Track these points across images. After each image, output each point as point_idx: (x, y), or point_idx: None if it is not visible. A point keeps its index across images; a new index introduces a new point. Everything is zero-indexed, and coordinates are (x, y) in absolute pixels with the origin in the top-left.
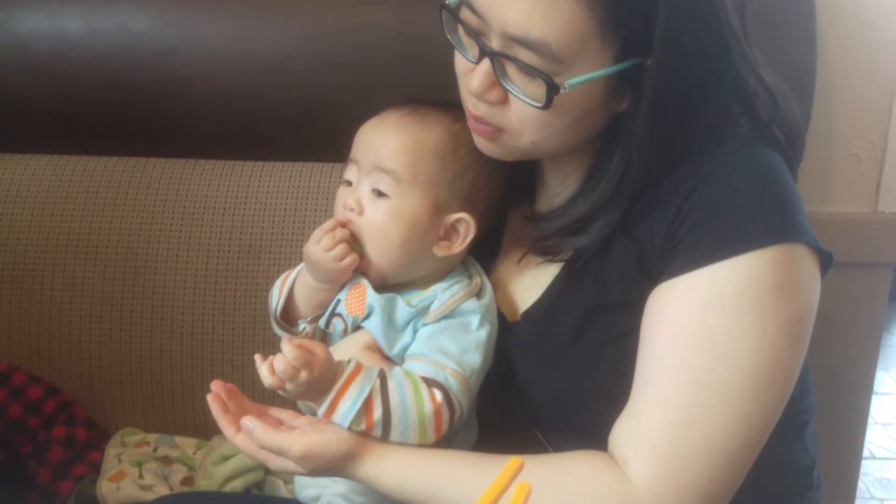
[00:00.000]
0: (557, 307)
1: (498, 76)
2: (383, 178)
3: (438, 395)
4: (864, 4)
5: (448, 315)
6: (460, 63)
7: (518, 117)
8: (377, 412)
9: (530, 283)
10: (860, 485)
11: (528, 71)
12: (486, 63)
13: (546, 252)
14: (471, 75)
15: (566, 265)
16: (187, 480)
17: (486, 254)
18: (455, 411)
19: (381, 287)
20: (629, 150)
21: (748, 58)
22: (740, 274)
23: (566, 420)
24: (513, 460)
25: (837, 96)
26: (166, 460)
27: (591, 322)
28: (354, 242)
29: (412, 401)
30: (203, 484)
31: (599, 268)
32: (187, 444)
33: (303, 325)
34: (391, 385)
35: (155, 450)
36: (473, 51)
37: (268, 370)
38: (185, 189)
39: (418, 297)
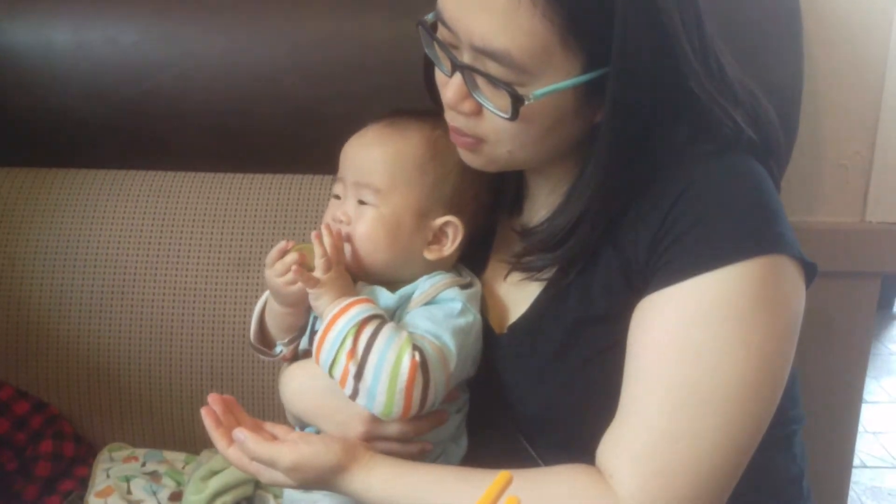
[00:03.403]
0: (543, 320)
1: (469, 88)
2: (366, 190)
3: (418, 356)
4: (850, 16)
5: (430, 301)
6: (438, 76)
7: (492, 128)
8: (366, 332)
9: (517, 296)
10: (851, 494)
11: (495, 83)
12: (458, 76)
13: (528, 269)
14: (446, 88)
15: (552, 279)
16: (176, 496)
17: (474, 267)
18: (430, 383)
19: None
20: (600, 160)
21: (708, 71)
22: (723, 286)
23: (554, 433)
24: (502, 474)
25: (825, 107)
26: (155, 475)
27: (578, 335)
28: (307, 263)
29: (396, 344)
30: (192, 499)
31: (585, 281)
32: (176, 458)
33: (280, 349)
34: (390, 325)
35: (143, 465)
36: (447, 64)
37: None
38: (174, 201)
39: (402, 288)
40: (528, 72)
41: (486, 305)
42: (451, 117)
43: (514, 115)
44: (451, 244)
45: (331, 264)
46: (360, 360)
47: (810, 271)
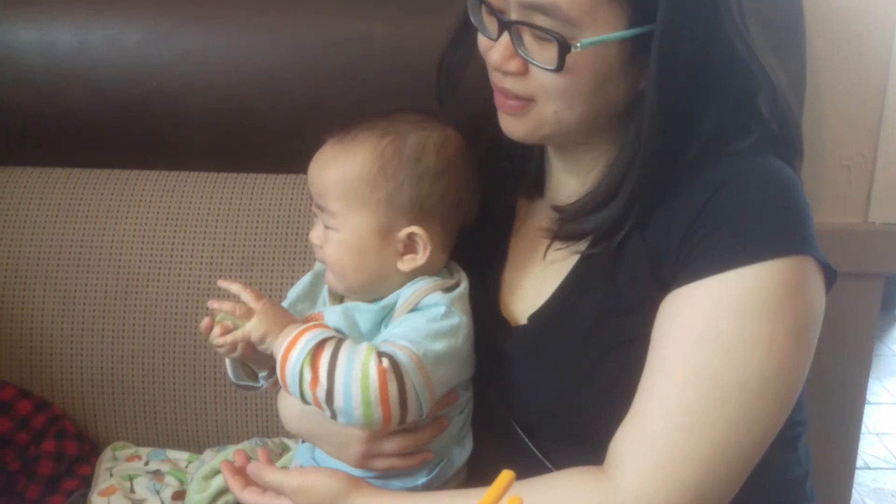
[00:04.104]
0: (567, 309)
1: (515, 45)
2: (325, 214)
3: (385, 362)
4: (853, 17)
5: (413, 308)
6: (483, 43)
7: (538, 85)
8: (326, 354)
9: (537, 286)
10: (854, 495)
11: (543, 34)
12: (505, 35)
13: (566, 237)
14: (492, 50)
15: (575, 268)
16: (179, 494)
17: (492, 258)
18: (406, 386)
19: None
20: (643, 126)
21: (746, 40)
22: (754, 282)
23: (565, 426)
24: (504, 473)
25: (828, 108)
26: (158, 474)
27: (601, 325)
28: (233, 319)
29: (360, 357)
30: (195, 498)
31: (611, 271)
32: (179, 457)
33: (262, 383)
34: (348, 341)
35: (146, 463)
36: (493, 28)
37: (230, 303)
38: (177, 201)
39: (384, 299)
40: (574, 24)
41: (503, 299)
42: (498, 78)
43: (561, 65)
44: (423, 253)
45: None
46: (327, 384)
47: (831, 277)
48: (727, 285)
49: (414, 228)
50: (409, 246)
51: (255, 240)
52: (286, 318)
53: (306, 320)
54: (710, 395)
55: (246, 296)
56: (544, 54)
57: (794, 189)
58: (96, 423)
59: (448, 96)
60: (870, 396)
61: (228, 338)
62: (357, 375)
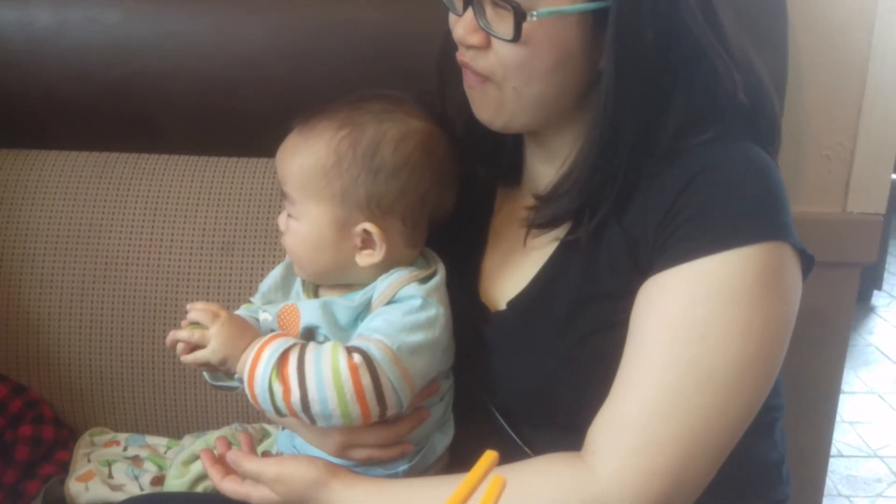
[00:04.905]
0: (546, 295)
1: (477, 18)
2: (287, 201)
3: (356, 357)
4: (833, 10)
5: (389, 301)
6: (451, 20)
7: (498, 58)
8: (291, 363)
9: (517, 273)
10: (828, 482)
11: (502, 3)
12: (469, 10)
13: (544, 223)
14: (457, 25)
15: (554, 255)
16: (158, 480)
17: (471, 244)
18: (381, 381)
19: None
20: (605, 106)
21: (702, 22)
22: (731, 268)
23: (544, 411)
24: (487, 453)
25: (808, 99)
26: (136, 460)
27: (580, 311)
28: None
29: (328, 358)
30: (174, 483)
31: (590, 258)
32: (158, 443)
33: (239, 385)
34: (311, 345)
35: (125, 449)
36: (459, 3)
37: (186, 330)
38: (158, 184)
39: (361, 292)
40: None
41: (483, 285)
42: (461, 52)
43: (517, 34)
44: (379, 249)
45: (203, 336)
46: (300, 393)
47: (808, 263)
48: (704, 271)
49: (367, 225)
50: (367, 241)
51: (236, 223)
52: (246, 335)
53: (279, 313)
54: (686, 381)
55: (202, 317)
56: (503, 26)
57: (771, 176)
58: (73, 409)
59: (449, 87)
60: (845, 386)
61: (189, 358)
62: (328, 375)
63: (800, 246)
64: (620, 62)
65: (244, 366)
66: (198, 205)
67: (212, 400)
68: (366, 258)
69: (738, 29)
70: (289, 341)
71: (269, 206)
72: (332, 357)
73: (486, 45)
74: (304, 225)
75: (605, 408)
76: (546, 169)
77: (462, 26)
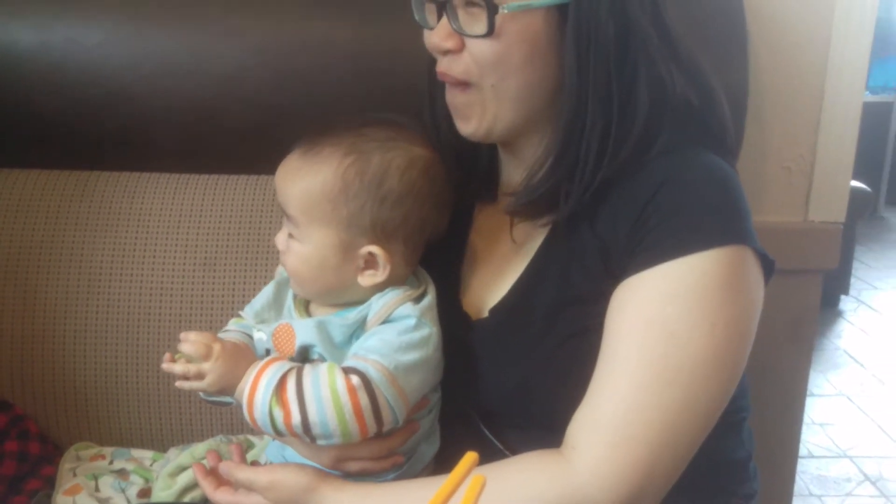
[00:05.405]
0: (525, 302)
1: (451, 22)
2: (289, 222)
3: (354, 379)
4: (792, 27)
5: (384, 321)
6: (426, 36)
7: (473, 57)
8: (290, 388)
9: (496, 282)
10: (799, 482)
11: (475, 2)
12: (442, 19)
13: (529, 210)
14: (432, 35)
15: (531, 263)
16: (144, 492)
17: (452, 256)
18: (378, 401)
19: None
20: (573, 103)
21: (649, 29)
22: (696, 270)
23: (525, 414)
24: (468, 454)
25: (769, 113)
26: (123, 473)
27: (558, 316)
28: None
29: (326, 380)
30: (161, 495)
31: (566, 265)
32: (144, 456)
33: (232, 400)
34: (307, 368)
35: (111, 463)
36: (433, 16)
37: (181, 365)
38: (140, 202)
39: (356, 311)
40: None
41: (464, 293)
42: (439, 63)
43: (491, 28)
44: (383, 270)
45: (199, 370)
46: (300, 416)
47: (769, 267)
48: (672, 273)
49: (373, 248)
50: (370, 262)
51: (217, 240)
52: (242, 364)
53: (274, 333)
54: (658, 378)
55: (195, 352)
56: (476, 25)
57: (733, 185)
58: (58, 424)
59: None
60: (814, 389)
61: (185, 386)
62: (328, 397)
63: (760, 250)
64: (581, 56)
65: (242, 393)
66: (179, 221)
67: (196, 413)
68: (368, 279)
69: (686, 34)
70: (284, 366)
71: (250, 223)
72: (330, 379)
73: (461, 48)
74: (307, 247)
75: (582, 405)
76: (519, 175)
77: (436, 34)
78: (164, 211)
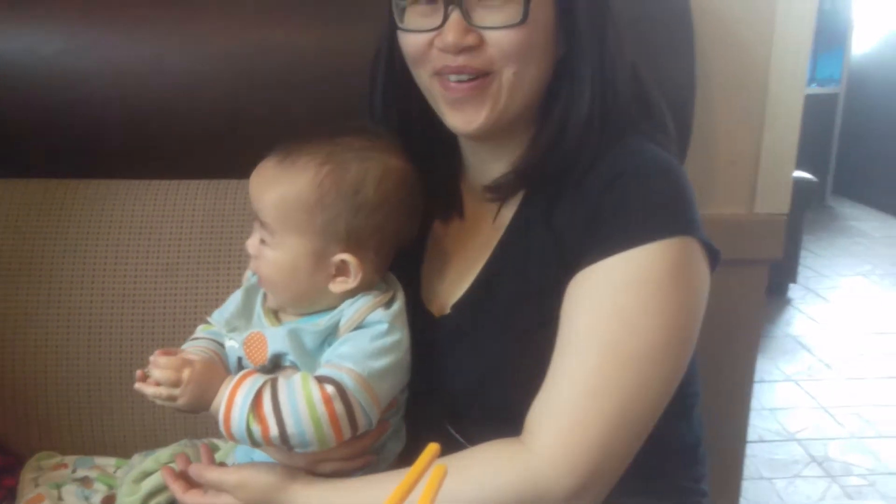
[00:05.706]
0: (486, 296)
1: (467, 20)
2: (263, 229)
3: (329, 388)
4: (738, 27)
5: (357, 327)
6: (420, 41)
7: (498, 49)
8: (266, 403)
9: (457, 278)
10: (750, 465)
11: None
12: (453, 16)
13: (502, 188)
14: (439, 38)
15: (491, 258)
16: (109, 499)
17: (411, 256)
18: (353, 408)
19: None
20: (572, 88)
21: (595, 34)
22: (646, 260)
23: (487, 407)
24: (430, 445)
25: (716, 109)
26: (86, 481)
27: (515, 309)
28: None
29: (301, 392)
30: (126, 501)
31: (524, 259)
32: (107, 463)
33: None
34: (280, 381)
35: (74, 471)
36: (436, 17)
37: (152, 386)
38: (99, 209)
39: (326, 317)
40: None
41: (425, 292)
42: (451, 60)
43: (526, 15)
44: (354, 278)
45: (171, 394)
46: (278, 429)
47: (714, 257)
48: (623, 264)
49: (346, 256)
50: (342, 269)
51: (178, 246)
52: (214, 382)
53: (245, 341)
54: (611, 362)
55: (165, 379)
56: (500, 15)
57: (679, 178)
58: (18, 434)
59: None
60: (764, 375)
61: (159, 403)
62: (304, 409)
63: (706, 240)
64: (568, 38)
65: (217, 411)
66: (141, 228)
67: (159, 418)
68: (339, 285)
69: (622, 34)
70: (258, 380)
71: (211, 228)
72: (305, 391)
73: (480, 43)
74: (280, 253)
75: (540, 392)
76: (496, 167)
77: (453, 32)
78: (126, 217)
